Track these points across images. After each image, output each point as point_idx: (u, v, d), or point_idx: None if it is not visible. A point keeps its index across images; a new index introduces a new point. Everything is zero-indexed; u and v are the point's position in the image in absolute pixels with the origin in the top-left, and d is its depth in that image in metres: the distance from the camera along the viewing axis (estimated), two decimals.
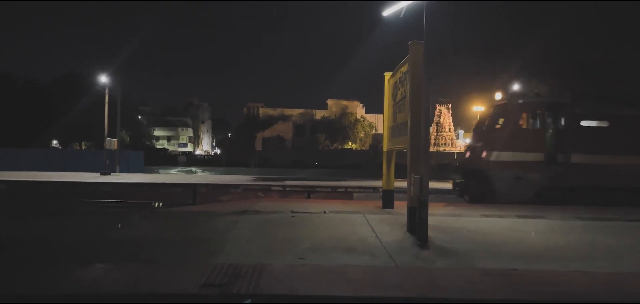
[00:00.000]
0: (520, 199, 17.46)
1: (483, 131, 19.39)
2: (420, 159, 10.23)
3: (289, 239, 10.09)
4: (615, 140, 18.04)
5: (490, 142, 18.34)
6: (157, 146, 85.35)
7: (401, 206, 13.79)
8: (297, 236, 10.47)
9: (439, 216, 13.33)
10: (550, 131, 18.30)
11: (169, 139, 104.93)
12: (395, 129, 13.49)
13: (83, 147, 62.27)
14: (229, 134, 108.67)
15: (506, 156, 17.80)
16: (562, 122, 18.29)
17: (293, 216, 13.04)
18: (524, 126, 18.37)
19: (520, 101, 18.70)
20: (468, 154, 20.17)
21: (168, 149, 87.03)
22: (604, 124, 18.48)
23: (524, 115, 18.43)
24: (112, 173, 34.76)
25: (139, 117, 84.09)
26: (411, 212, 10.85)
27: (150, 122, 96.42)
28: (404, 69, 12.10)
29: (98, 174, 34.13)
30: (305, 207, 14.92)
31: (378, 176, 19.13)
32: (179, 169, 50.41)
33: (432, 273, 7.86)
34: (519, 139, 18.00)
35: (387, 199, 15.24)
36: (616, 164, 17.73)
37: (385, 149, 15.26)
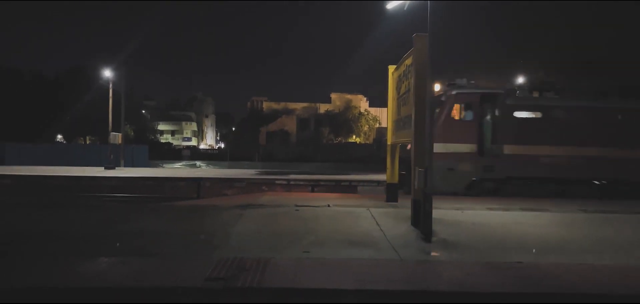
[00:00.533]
0: (452, 190, 17.61)
1: None
2: (424, 153, 10.21)
3: (293, 233, 10.11)
4: (547, 131, 18.04)
5: None
6: (162, 141, 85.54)
7: (405, 200, 13.79)
8: (301, 229, 10.49)
9: (443, 210, 13.31)
10: (483, 122, 18.36)
11: (173, 133, 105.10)
12: (400, 123, 13.45)
13: (87, 142, 62.52)
14: (233, 129, 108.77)
15: (438, 147, 17.59)
16: (495, 113, 18.30)
17: (297, 210, 13.06)
18: (457, 118, 18.33)
19: (454, 93, 18.56)
20: (408, 146, 20.29)
21: (172, 144, 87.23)
22: (537, 115, 18.39)
23: (457, 106, 18.36)
24: (116, 167, 34.86)
25: (143, 111, 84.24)
26: (415, 205, 10.84)
27: (155, 116, 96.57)
28: (408, 62, 12.06)
29: (103, 168, 34.25)
30: (309, 201, 14.93)
31: (382, 170, 19.16)
32: (183, 163, 50.56)
33: (436, 267, 7.87)
34: (451, 130, 17.99)
35: (391, 192, 15.24)
36: (548, 155, 17.81)
37: (389, 143, 15.24)
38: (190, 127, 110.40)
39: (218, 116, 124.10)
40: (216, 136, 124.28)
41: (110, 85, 37.89)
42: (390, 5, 12.00)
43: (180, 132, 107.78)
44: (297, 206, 13.75)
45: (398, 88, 13.78)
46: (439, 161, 17.40)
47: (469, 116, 18.26)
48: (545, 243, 9.75)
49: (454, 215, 12.66)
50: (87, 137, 64.07)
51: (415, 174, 10.61)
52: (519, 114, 18.25)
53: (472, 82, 18.98)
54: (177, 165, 46.63)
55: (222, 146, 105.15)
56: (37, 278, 6.83)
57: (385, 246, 9.15)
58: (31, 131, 52.44)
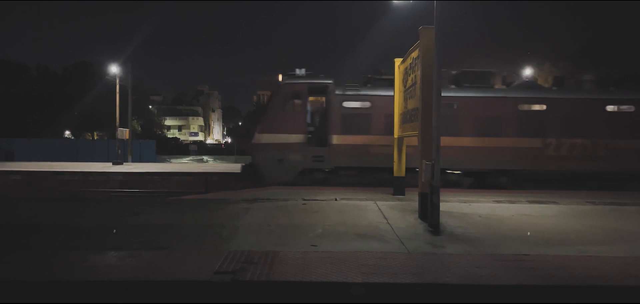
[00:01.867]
0: (283, 180, 17.70)
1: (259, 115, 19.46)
2: (432, 145, 10.19)
3: (300, 226, 10.14)
4: (375, 121, 17.95)
5: (257, 125, 18.50)
6: (168, 136, 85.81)
7: (412, 193, 13.79)
8: (308, 222, 10.53)
9: (451, 202, 13.31)
10: (312, 112, 18.37)
11: (180, 128, 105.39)
12: (406, 116, 13.42)
13: (95, 137, 62.85)
14: (240, 123, 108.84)
15: (268, 138, 17.86)
16: (324, 104, 18.29)
17: (304, 203, 13.09)
18: (286, 108, 18.21)
19: (282, 83, 18.51)
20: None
21: (179, 139, 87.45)
22: (365, 105, 18.21)
23: (286, 97, 18.24)
24: (124, 163, 35.04)
25: (150, 106, 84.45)
26: (423, 198, 10.85)
27: (161, 111, 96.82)
28: (414, 54, 12.01)
29: (111, 163, 34.44)
30: (316, 194, 14.96)
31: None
32: (191, 158, 50.70)
33: (443, 259, 7.87)
34: (280, 121, 18.00)
35: (398, 185, 15.23)
36: (377, 145, 17.79)
37: (395, 136, 15.22)
38: (197, 122, 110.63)
39: (224, 110, 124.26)
40: (223, 130, 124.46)
41: (117, 80, 38.01)
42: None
43: (187, 127, 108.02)
44: (304, 199, 13.78)
45: (404, 81, 13.74)
46: (269, 151, 17.74)
47: (298, 106, 18.19)
48: (552, 234, 9.73)
49: (461, 208, 12.65)
50: (95, 133, 64.40)
51: (422, 166, 10.61)
52: (347, 105, 18.11)
53: (307, 71, 18.75)
54: (185, 160, 46.80)
55: (229, 140, 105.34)
56: (47, 272, 6.90)
57: (393, 239, 9.16)
58: (40, 127, 52.76)
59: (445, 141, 17.08)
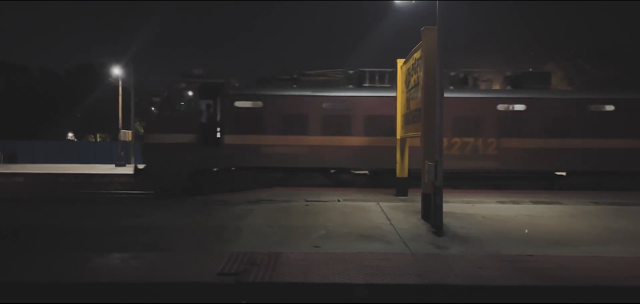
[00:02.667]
0: (174, 181, 17.42)
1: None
2: (434, 146, 10.17)
3: (303, 227, 10.14)
4: (268, 121, 17.77)
5: (149, 125, 18.20)
6: None
7: (415, 194, 13.78)
8: (311, 224, 10.52)
9: (454, 203, 13.29)
10: (204, 112, 18.06)
11: None
12: (409, 116, 13.41)
13: (98, 139, 62.96)
14: None
15: (158, 138, 17.53)
16: (218, 103, 18.04)
17: (307, 205, 13.09)
18: (178, 108, 17.99)
19: (176, 83, 18.23)
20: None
21: None
22: (258, 105, 17.99)
23: (178, 96, 18.03)
24: (127, 164, 35.12)
25: (152, 108, 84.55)
26: (425, 199, 10.83)
27: None
28: (416, 55, 12.00)
29: (113, 165, 34.53)
30: (319, 195, 14.95)
31: None
32: None
33: (447, 260, 7.86)
34: (172, 121, 17.67)
35: (401, 186, 15.20)
36: (271, 145, 17.65)
37: (398, 137, 15.20)
38: None
39: None
40: None
41: (120, 82, 38.08)
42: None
43: None
44: (307, 200, 13.78)
45: (407, 82, 13.73)
46: (160, 151, 17.37)
47: (189, 105, 17.96)
48: (556, 234, 9.70)
49: (464, 208, 12.63)
50: (98, 135, 64.51)
51: (424, 167, 10.59)
52: (240, 105, 17.88)
53: (200, 71, 18.48)
54: None
55: None
56: (50, 274, 6.91)
57: (396, 240, 9.15)
58: (42, 129, 52.88)
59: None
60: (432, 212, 10.05)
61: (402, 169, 15.29)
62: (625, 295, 6.53)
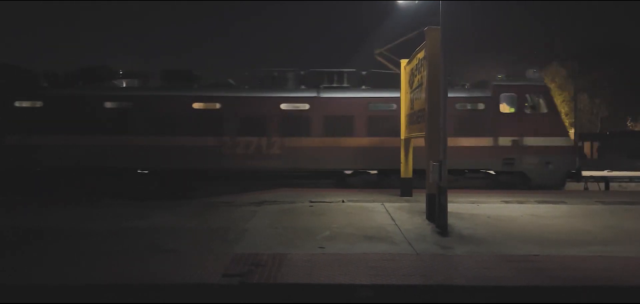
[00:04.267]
0: None
1: None
2: (439, 146, 10.15)
3: (307, 228, 10.13)
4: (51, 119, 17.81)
5: None
6: None
7: (419, 194, 13.75)
8: (315, 225, 10.52)
9: (459, 203, 13.25)
10: None
11: None
12: (413, 117, 13.39)
13: None
14: None
15: None
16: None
17: (311, 206, 13.08)
18: None
19: None
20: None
21: None
22: (38, 104, 17.95)
23: None
24: None
25: None
26: (430, 199, 10.80)
27: None
28: (420, 55, 11.98)
29: None
30: (323, 196, 14.93)
31: None
32: None
33: (452, 260, 7.84)
34: None
35: (406, 186, 15.17)
36: (49, 145, 17.66)
37: (402, 137, 15.17)
38: None
39: None
40: None
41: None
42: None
43: None
44: (311, 201, 13.77)
45: (410, 82, 13.71)
46: None
47: None
48: (562, 234, 9.66)
49: (469, 208, 12.59)
50: None
51: (429, 167, 10.58)
52: (19, 104, 17.98)
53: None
54: None
55: None
56: (54, 275, 6.93)
57: (401, 240, 9.13)
58: None
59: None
60: (436, 213, 10.03)
61: (406, 169, 15.26)
62: (633, 295, 6.49)
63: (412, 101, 13.56)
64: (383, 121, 17.93)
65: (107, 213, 12.26)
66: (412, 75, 13.44)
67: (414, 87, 13.13)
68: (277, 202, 13.75)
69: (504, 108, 17.84)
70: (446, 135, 10.06)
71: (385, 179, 18.15)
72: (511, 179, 17.77)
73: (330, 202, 13.68)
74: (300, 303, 6.43)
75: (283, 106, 18.13)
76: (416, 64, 12.61)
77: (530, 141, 17.56)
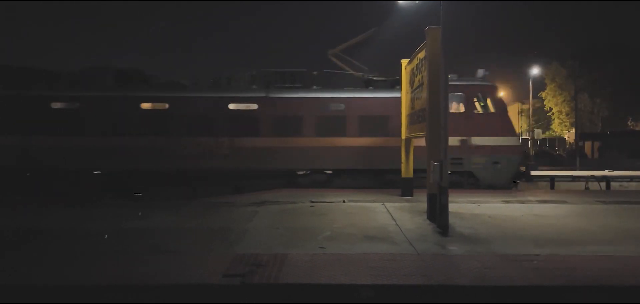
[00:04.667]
0: None
1: None
2: (440, 146, 10.14)
3: (308, 229, 10.12)
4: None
5: None
6: None
7: (420, 194, 13.74)
8: (316, 225, 10.50)
9: (460, 203, 13.24)
10: None
11: None
12: (413, 116, 13.38)
13: None
14: None
15: None
16: None
17: (312, 206, 13.07)
18: None
19: None
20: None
21: None
22: None
23: None
24: None
25: None
26: (431, 199, 10.79)
27: None
28: (420, 55, 11.97)
29: None
30: (324, 196, 14.92)
31: None
32: None
33: (453, 260, 7.82)
34: None
35: (406, 187, 15.16)
36: None
37: (403, 137, 15.16)
38: None
39: None
40: None
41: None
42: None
43: None
44: (312, 201, 13.77)
45: (411, 82, 13.70)
46: None
47: None
48: (562, 234, 9.64)
49: (470, 208, 12.58)
50: None
51: (430, 167, 10.57)
52: None
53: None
54: None
55: None
56: (54, 276, 6.93)
57: (402, 240, 9.12)
58: None
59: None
60: (437, 213, 10.02)
61: (407, 169, 15.25)
62: (633, 295, 6.47)
63: (412, 101, 13.55)
64: (333, 120, 17.98)
65: (107, 213, 12.25)
66: (412, 74, 13.43)
67: (414, 87, 13.12)
68: (278, 202, 13.75)
69: (453, 108, 17.75)
70: (447, 135, 10.04)
71: (337, 179, 18.19)
72: (459, 179, 17.73)
73: (331, 202, 13.67)
74: (301, 303, 6.42)
75: (231, 106, 18.17)
76: (417, 64, 12.59)
77: (478, 140, 17.55)
